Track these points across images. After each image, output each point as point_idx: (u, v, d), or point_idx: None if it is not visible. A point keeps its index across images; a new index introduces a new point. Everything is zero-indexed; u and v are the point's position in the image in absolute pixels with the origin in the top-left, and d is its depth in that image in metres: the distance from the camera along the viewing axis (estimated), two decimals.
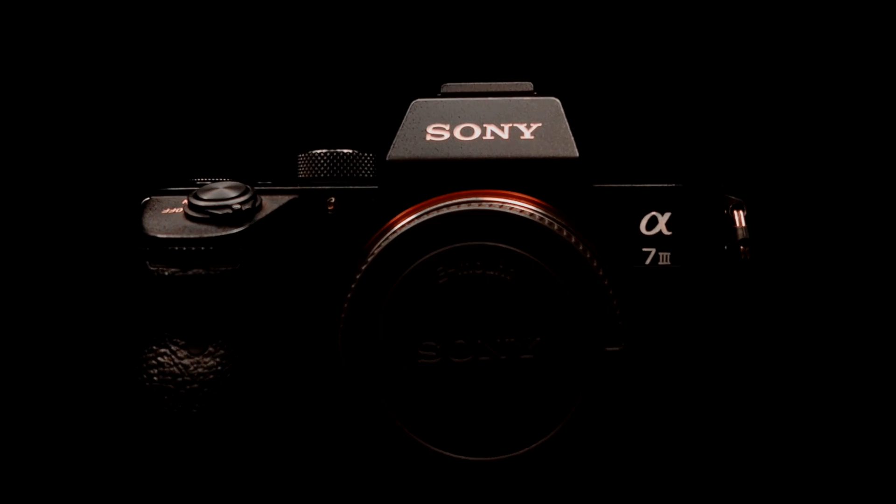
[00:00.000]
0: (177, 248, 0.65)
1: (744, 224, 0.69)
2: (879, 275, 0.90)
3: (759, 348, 0.75)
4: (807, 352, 0.89)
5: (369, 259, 0.65)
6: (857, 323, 0.90)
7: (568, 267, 0.64)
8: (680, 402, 0.69)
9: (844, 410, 0.87)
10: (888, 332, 0.90)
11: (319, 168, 0.72)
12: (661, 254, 0.68)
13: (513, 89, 0.70)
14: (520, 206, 0.65)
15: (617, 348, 0.64)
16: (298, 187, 0.70)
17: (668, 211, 0.68)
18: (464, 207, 0.64)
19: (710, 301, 0.68)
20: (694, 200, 0.68)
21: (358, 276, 0.65)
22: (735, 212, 0.69)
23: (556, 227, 0.64)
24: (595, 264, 0.64)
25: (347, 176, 0.71)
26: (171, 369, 0.66)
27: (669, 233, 0.68)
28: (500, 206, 0.64)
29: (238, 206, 0.66)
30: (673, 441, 0.69)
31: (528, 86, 0.70)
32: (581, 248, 0.64)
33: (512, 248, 0.64)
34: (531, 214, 0.64)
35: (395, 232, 0.65)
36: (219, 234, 0.65)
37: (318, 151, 0.72)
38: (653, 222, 0.68)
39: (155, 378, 0.66)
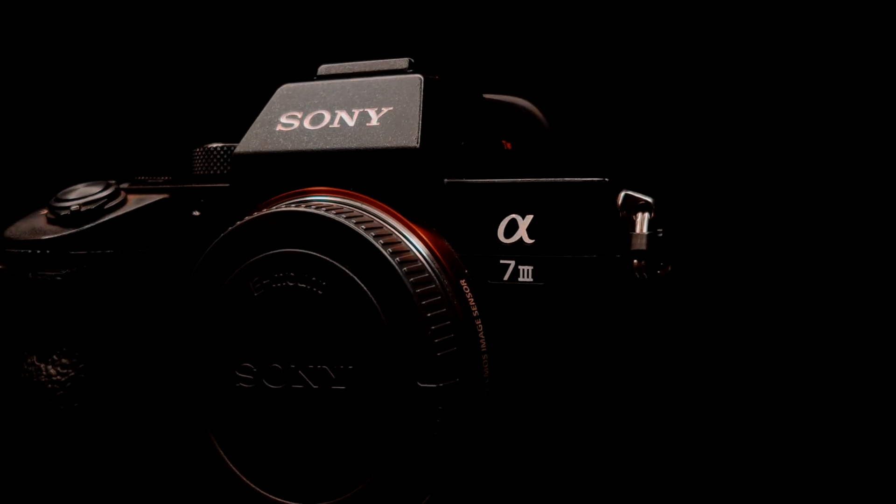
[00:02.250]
0: (14, 251, 0.65)
1: (645, 230, 0.55)
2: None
3: (647, 395, 0.59)
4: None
5: (192, 273, 0.60)
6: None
7: (380, 281, 0.55)
8: (536, 460, 0.56)
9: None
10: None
11: (212, 163, 0.69)
12: (521, 267, 0.56)
13: (387, 67, 0.62)
14: (338, 205, 0.58)
15: (432, 385, 0.54)
16: (169, 186, 0.67)
17: (530, 212, 0.56)
18: (273, 210, 0.58)
19: (582, 330, 0.55)
20: (569, 199, 0.56)
21: (184, 292, 0.61)
22: (637, 214, 0.56)
23: (368, 233, 0.55)
24: (411, 280, 0.55)
25: (219, 173, 0.67)
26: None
27: (532, 241, 0.56)
28: (309, 207, 0.57)
29: (77, 207, 0.64)
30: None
31: (404, 63, 0.62)
32: (397, 259, 0.55)
33: (323, 256, 0.56)
34: (346, 216, 0.56)
35: (217, 239, 0.60)
36: (52, 235, 0.64)
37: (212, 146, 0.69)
38: (512, 227, 0.57)
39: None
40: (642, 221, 0.56)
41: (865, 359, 0.78)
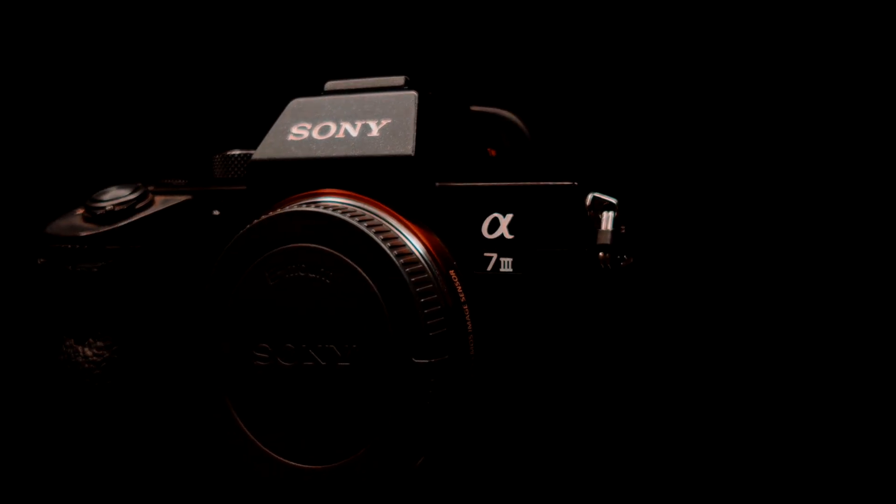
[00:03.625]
0: (55, 246, 0.75)
1: (610, 227, 0.66)
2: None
3: (611, 371, 0.70)
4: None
5: (215, 265, 0.71)
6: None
7: (380, 271, 0.65)
8: (517, 427, 0.67)
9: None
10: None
11: (230, 168, 0.79)
12: (502, 259, 0.67)
13: (385, 84, 0.72)
14: (343, 205, 0.68)
15: (425, 361, 0.64)
16: (191, 188, 0.78)
17: (510, 212, 0.67)
18: (287, 210, 0.68)
19: (554, 314, 0.66)
20: (543, 201, 0.66)
21: (207, 282, 0.71)
22: (603, 213, 0.66)
23: (370, 230, 0.66)
24: (407, 270, 0.65)
25: (236, 177, 0.77)
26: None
27: (511, 236, 0.67)
28: (318, 207, 0.67)
29: (111, 207, 0.75)
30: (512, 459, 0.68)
31: (400, 80, 0.72)
32: (395, 252, 0.65)
33: (331, 250, 0.66)
34: (350, 216, 0.67)
35: (237, 236, 0.70)
36: (90, 232, 0.75)
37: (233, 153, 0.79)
38: (495, 224, 0.67)
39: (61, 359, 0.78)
40: (607, 219, 0.66)
41: (811, 338, 0.89)
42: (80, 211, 0.78)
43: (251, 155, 0.75)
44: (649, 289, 0.77)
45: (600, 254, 0.66)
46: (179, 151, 1.00)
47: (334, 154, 0.71)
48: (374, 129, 0.71)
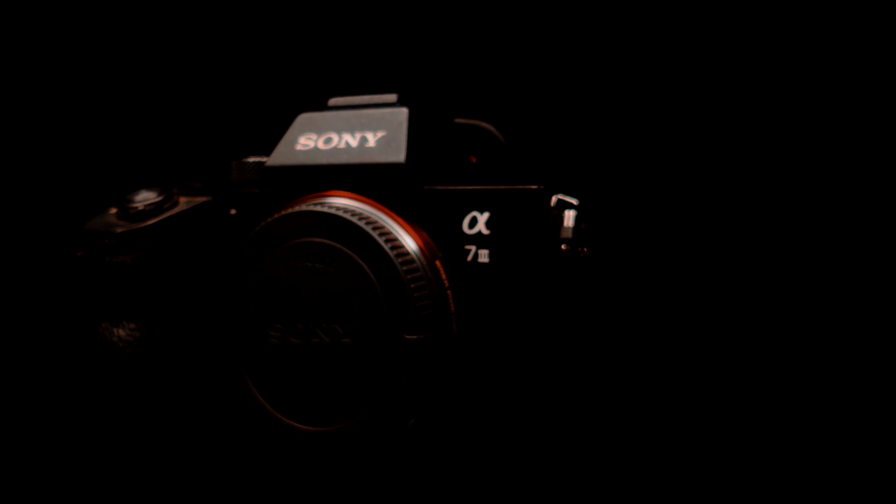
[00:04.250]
0: (93, 241, 0.87)
1: (571, 224, 0.78)
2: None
3: (572, 345, 0.82)
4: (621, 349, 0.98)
5: (234, 257, 0.82)
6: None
7: (377, 262, 0.77)
8: (493, 392, 0.79)
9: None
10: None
11: (245, 173, 0.91)
12: (480, 251, 0.79)
13: (380, 101, 0.84)
14: (345, 206, 0.80)
15: (415, 337, 0.76)
16: (211, 190, 0.89)
17: (486, 211, 0.79)
18: (296, 209, 0.80)
19: (524, 297, 0.78)
20: (515, 201, 0.78)
21: (227, 271, 0.83)
22: (565, 212, 0.78)
23: (368, 226, 0.77)
24: (399, 261, 0.77)
25: (251, 181, 0.89)
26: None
27: (488, 232, 0.79)
28: (323, 207, 0.79)
29: (142, 207, 0.87)
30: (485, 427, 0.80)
31: (393, 98, 0.84)
32: (389, 245, 0.77)
33: (335, 244, 0.78)
34: (352, 214, 0.78)
35: (253, 232, 0.82)
36: (125, 229, 0.87)
37: (249, 160, 0.91)
38: (474, 222, 0.79)
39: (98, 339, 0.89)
40: (569, 217, 0.78)
41: (760, 322, 1.00)
42: (114, 210, 0.89)
43: (264, 162, 0.86)
44: (604, 275, 0.90)
45: (563, 246, 0.78)
46: (200, 158, 1.12)
47: (337, 161, 0.83)
48: (371, 139, 0.82)
